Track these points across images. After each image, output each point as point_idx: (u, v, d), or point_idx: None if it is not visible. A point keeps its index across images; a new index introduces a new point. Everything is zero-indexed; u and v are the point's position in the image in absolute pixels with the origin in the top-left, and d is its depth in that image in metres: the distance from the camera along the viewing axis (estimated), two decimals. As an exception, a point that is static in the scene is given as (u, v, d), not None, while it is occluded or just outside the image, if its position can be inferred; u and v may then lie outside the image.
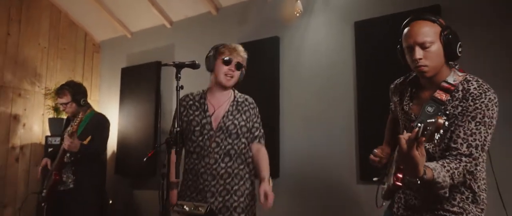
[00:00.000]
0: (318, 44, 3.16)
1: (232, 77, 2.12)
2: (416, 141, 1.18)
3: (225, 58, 2.11)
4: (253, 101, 2.23)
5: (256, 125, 2.18)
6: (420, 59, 1.46)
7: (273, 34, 3.35)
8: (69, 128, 3.07)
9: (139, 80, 4.16)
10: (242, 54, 2.16)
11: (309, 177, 3.02)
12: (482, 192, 1.49)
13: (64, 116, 4.03)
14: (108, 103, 4.38)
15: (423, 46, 1.46)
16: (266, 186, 2.01)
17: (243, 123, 2.13)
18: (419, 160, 1.22)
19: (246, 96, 2.23)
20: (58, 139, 3.81)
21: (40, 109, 4.03)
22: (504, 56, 2.44)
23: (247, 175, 2.14)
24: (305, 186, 3.04)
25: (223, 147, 2.09)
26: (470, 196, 1.47)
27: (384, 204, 1.56)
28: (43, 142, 3.97)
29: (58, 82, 4.14)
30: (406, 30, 1.52)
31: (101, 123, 3.12)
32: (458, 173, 1.37)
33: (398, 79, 1.73)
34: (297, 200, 3.04)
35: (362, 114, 2.86)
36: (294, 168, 3.09)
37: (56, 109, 3.99)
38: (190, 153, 2.14)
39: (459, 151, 1.40)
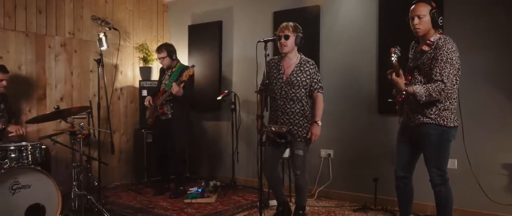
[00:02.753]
0: (349, 10, 4.18)
1: (286, 46, 3.20)
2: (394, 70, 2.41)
3: (277, 35, 3.20)
4: (314, 63, 3.28)
5: (315, 80, 3.24)
6: (417, 24, 2.63)
7: (315, 3, 4.36)
8: (165, 77, 4.33)
9: (204, 36, 5.26)
10: (288, 28, 3.18)
11: (341, 111, 4.19)
12: (452, 105, 2.65)
13: (150, 65, 5.26)
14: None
15: (419, 17, 2.62)
16: (314, 128, 3.19)
17: (303, 78, 3.21)
18: (398, 81, 2.54)
19: (309, 59, 3.28)
20: (148, 82, 5.08)
21: (130, 60, 5.24)
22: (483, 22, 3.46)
23: (305, 113, 3.25)
24: (339, 119, 4.22)
25: (289, 94, 3.24)
26: (442, 107, 2.63)
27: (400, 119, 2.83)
28: (137, 85, 5.23)
29: (142, 38, 5.33)
30: (411, 7, 2.66)
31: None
32: (433, 89, 2.52)
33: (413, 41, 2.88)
34: (333, 128, 4.24)
35: (381, 63, 3.92)
36: (330, 105, 4.25)
37: (144, 59, 5.20)
38: (271, 98, 3.33)
39: (434, 78, 2.56)
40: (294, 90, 3.21)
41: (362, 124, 4.09)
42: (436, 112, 2.64)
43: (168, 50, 4.31)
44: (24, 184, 2.82)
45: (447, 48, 2.55)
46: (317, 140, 4.02)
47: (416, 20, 2.63)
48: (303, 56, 3.31)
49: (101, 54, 3.53)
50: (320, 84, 3.28)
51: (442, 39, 2.59)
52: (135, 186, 4.75)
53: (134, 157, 5.17)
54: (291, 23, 3.22)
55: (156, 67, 5.27)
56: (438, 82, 2.53)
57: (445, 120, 2.63)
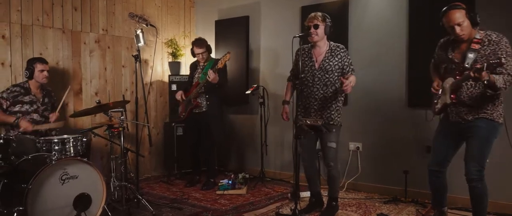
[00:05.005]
0: (377, 1, 4.20)
1: (316, 35, 3.24)
2: (480, 70, 2.36)
3: (307, 26, 3.26)
4: (344, 47, 3.32)
5: (346, 63, 3.27)
6: (459, 32, 2.64)
7: (344, -3, 4.40)
8: (198, 71, 4.44)
9: (231, 31, 5.35)
10: (317, 18, 3.23)
11: (369, 105, 4.24)
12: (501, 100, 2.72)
13: (179, 60, 5.38)
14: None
15: (459, 25, 2.62)
16: (350, 76, 3.21)
17: (336, 62, 3.25)
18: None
19: (338, 44, 3.33)
20: (177, 77, 5.20)
21: (159, 55, 5.37)
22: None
23: (337, 97, 3.29)
24: (367, 112, 4.27)
25: (322, 80, 3.29)
26: (497, 102, 2.69)
27: (433, 118, 2.82)
28: (166, 79, 5.36)
29: (170, 33, 5.45)
30: (445, 17, 2.67)
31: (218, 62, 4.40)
32: (506, 80, 2.54)
33: (442, 39, 2.90)
34: (362, 122, 4.30)
35: (411, 56, 3.95)
36: (358, 99, 4.30)
37: (173, 55, 5.32)
38: (302, 86, 3.37)
39: (504, 72, 2.55)
40: (327, 76, 3.27)
41: (391, 117, 4.13)
42: (492, 108, 2.70)
43: (207, 45, 4.44)
44: (72, 174, 2.97)
45: (505, 41, 2.61)
46: (346, 136, 4.11)
47: (458, 29, 2.64)
48: (332, 42, 3.35)
49: (138, 50, 3.66)
50: (352, 67, 3.33)
51: (495, 35, 2.64)
52: (167, 178, 4.89)
53: (164, 150, 5.31)
54: (319, 13, 3.28)
55: (184, 62, 5.39)
56: (506, 75, 2.55)
57: (498, 116, 2.70)
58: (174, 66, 5.31)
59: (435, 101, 2.90)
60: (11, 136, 3.08)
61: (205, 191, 4.34)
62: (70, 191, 2.95)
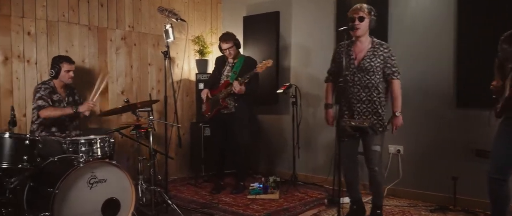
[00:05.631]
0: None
1: (359, 29, 2.96)
2: None
3: (350, 17, 2.98)
4: (388, 46, 3.02)
5: (388, 64, 2.98)
6: None
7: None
8: (226, 68, 4.20)
9: (260, 27, 5.11)
10: (362, 9, 2.94)
11: (412, 104, 3.92)
12: None
13: (206, 57, 5.18)
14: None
15: None
16: (396, 119, 3.00)
17: (377, 63, 2.96)
18: None
19: (382, 42, 3.03)
20: (205, 75, 5.00)
21: (186, 52, 5.18)
22: None
23: (381, 102, 3.03)
24: (409, 112, 3.95)
25: (363, 81, 3.02)
26: None
27: (495, 122, 2.55)
28: (192, 78, 5.17)
29: (197, 30, 5.25)
30: None
31: (254, 63, 4.17)
32: None
33: (506, 33, 2.54)
34: (404, 120, 4.00)
35: (460, 51, 3.62)
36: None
37: (200, 52, 5.12)
38: (346, 83, 3.09)
39: None
40: (368, 76, 2.98)
41: (436, 118, 3.82)
42: None
43: (234, 39, 4.18)
44: (100, 178, 2.79)
45: None
46: (386, 138, 3.80)
47: None
48: (375, 39, 3.07)
49: (167, 46, 3.46)
50: (395, 69, 3.02)
51: None
52: (194, 180, 4.70)
53: (190, 151, 5.12)
54: (365, 5, 3.00)
55: (212, 60, 5.19)
56: None
57: None
58: (201, 64, 5.11)
59: (497, 104, 2.60)
60: (37, 136, 2.92)
61: (235, 195, 4.12)
62: (99, 195, 2.77)
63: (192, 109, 5.20)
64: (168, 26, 3.42)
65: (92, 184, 2.75)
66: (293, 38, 4.88)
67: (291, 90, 4.50)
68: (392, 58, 3.02)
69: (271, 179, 4.28)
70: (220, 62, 4.35)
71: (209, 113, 4.29)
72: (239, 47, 4.22)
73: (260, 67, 3.90)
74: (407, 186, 3.98)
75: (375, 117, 3.02)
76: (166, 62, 3.44)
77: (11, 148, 2.70)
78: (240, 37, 5.23)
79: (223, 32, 4.40)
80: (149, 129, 3.26)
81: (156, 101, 3.49)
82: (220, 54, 4.36)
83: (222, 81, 4.21)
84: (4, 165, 2.70)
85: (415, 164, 3.95)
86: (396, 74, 3.02)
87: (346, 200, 3.47)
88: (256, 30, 5.15)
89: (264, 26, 5.07)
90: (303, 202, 3.85)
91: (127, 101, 3.30)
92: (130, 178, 2.96)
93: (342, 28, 2.90)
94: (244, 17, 5.29)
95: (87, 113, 3.59)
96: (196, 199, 3.99)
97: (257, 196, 3.97)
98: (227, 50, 4.12)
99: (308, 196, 4.07)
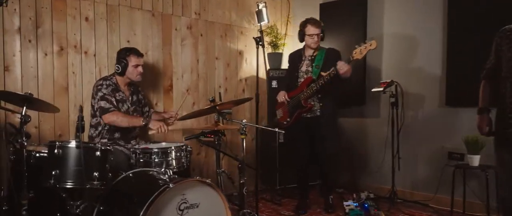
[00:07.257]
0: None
1: None
2: None
3: None
4: None
5: None
6: None
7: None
8: (303, 64, 3.46)
9: (341, 15, 4.34)
10: None
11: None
12: None
13: (280, 51, 4.46)
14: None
15: None
16: None
17: None
18: None
19: None
20: (278, 71, 4.28)
21: (255, 45, 4.45)
22: None
23: None
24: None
25: None
26: None
27: None
28: (262, 74, 4.44)
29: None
30: None
31: (339, 55, 3.42)
32: None
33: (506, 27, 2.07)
34: None
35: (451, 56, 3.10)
36: None
37: (273, 45, 4.39)
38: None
39: None
40: None
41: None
42: None
43: (322, 27, 3.44)
44: (192, 202, 2.10)
45: None
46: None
47: None
48: None
49: (261, 31, 2.77)
50: None
51: None
52: (270, 195, 3.97)
53: (261, 159, 4.39)
54: None
55: (286, 54, 4.45)
56: None
57: None
58: (275, 58, 4.38)
59: None
60: (108, 145, 2.26)
61: (329, 215, 3.37)
62: (190, 225, 2.08)
63: (263, 111, 4.47)
64: (261, 5, 2.72)
65: (182, 210, 2.06)
66: (386, 27, 4.09)
67: (390, 89, 3.71)
68: None
69: (362, 195, 3.51)
70: (295, 58, 3.60)
71: (288, 120, 3.50)
72: (323, 38, 3.46)
73: (360, 52, 3.14)
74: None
75: None
76: (259, 51, 2.73)
77: (78, 161, 2.03)
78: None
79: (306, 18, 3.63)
80: (242, 136, 2.56)
81: (249, 99, 2.79)
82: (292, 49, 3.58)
83: (302, 79, 3.45)
84: (69, 185, 2.04)
85: None
86: None
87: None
88: (336, 19, 4.37)
89: (346, 13, 4.31)
90: (421, 229, 3.06)
91: (212, 100, 2.61)
92: (226, 201, 2.25)
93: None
94: (321, 4, 4.53)
95: (153, 132, 2.81)
96: (283, 221, 3.27)
97: (360, 219, 3.21)
98: (315, 36, 3.37)
99: (420, 220, 3.29)
